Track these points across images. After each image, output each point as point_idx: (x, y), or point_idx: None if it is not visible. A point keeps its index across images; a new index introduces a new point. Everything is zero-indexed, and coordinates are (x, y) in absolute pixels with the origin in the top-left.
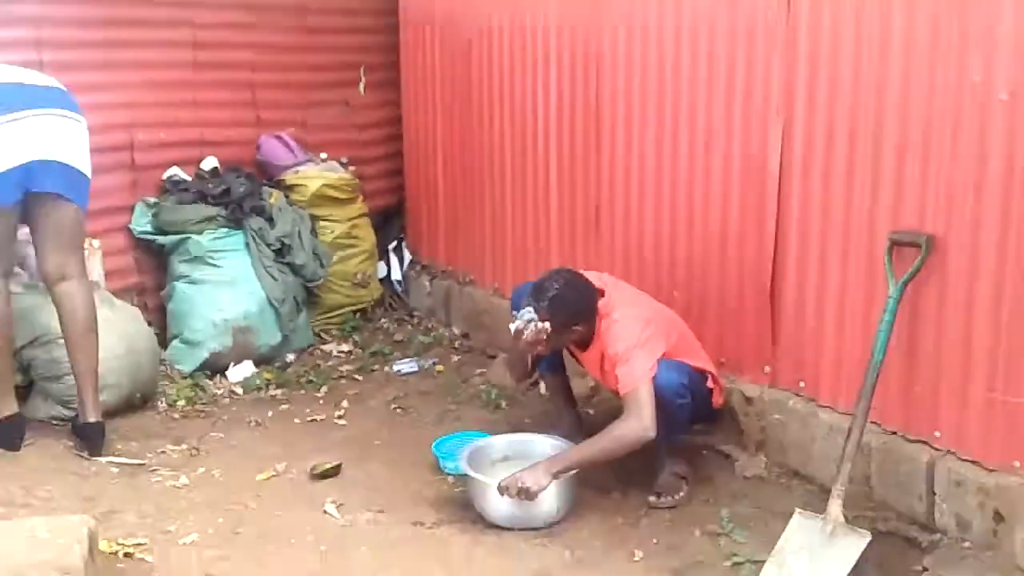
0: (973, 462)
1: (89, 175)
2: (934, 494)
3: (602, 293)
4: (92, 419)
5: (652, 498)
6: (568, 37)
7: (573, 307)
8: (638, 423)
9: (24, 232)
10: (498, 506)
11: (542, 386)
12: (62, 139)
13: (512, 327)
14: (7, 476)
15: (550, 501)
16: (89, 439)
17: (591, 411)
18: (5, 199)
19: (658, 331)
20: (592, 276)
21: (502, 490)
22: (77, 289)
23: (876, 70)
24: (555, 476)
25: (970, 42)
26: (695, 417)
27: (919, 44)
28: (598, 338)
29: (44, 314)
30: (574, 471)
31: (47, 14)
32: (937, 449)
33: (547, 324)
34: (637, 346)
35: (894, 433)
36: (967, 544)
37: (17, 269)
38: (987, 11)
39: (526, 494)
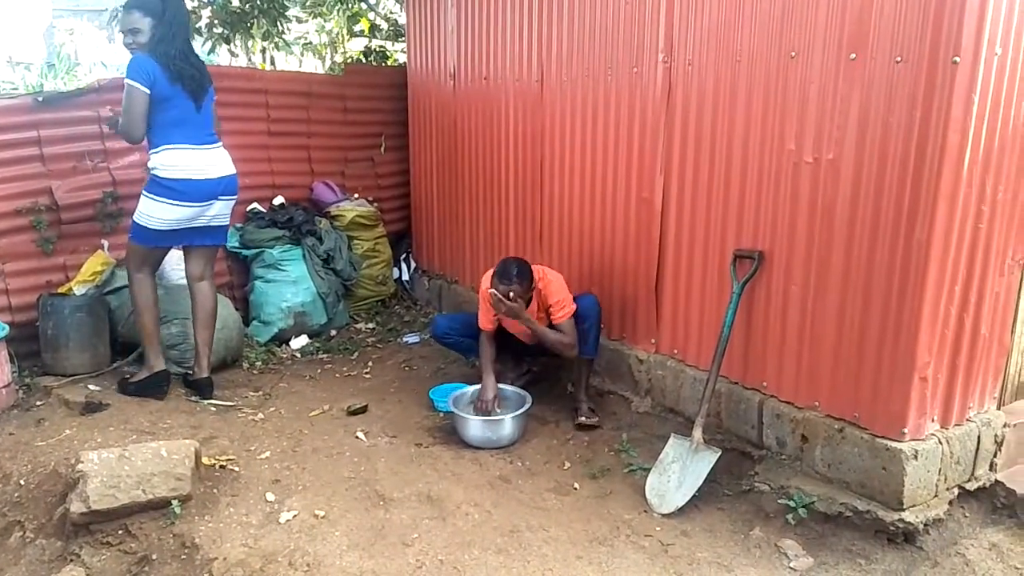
0: (788, 402)
1: (227, 224)
2: (762, 423)
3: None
4: (205, 375)
5: (582, 419)
6: (521, 115)
7: (527, 275)
8: (571, 341)
9: None
10: (474, 433)
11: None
12: (222, 214)
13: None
14: (140, 413)
15: (510, 429)
16: (202, 388)
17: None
18: (169, 243)
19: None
20: None
21: (495, 302)
22: (208, 287)
23: (726, 141)
24: (526, 319)
25: (787, 122)
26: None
27: (754, 123)
28: (535, 296)
29: (166, 302)
30: (531, 328)
31: None
32: (764, 393)
33: (520, 297)
34: (567, 298)
35: (736, 383)
36: (784, 457)
37: None
38: (799, 100)
39: (509, 309)
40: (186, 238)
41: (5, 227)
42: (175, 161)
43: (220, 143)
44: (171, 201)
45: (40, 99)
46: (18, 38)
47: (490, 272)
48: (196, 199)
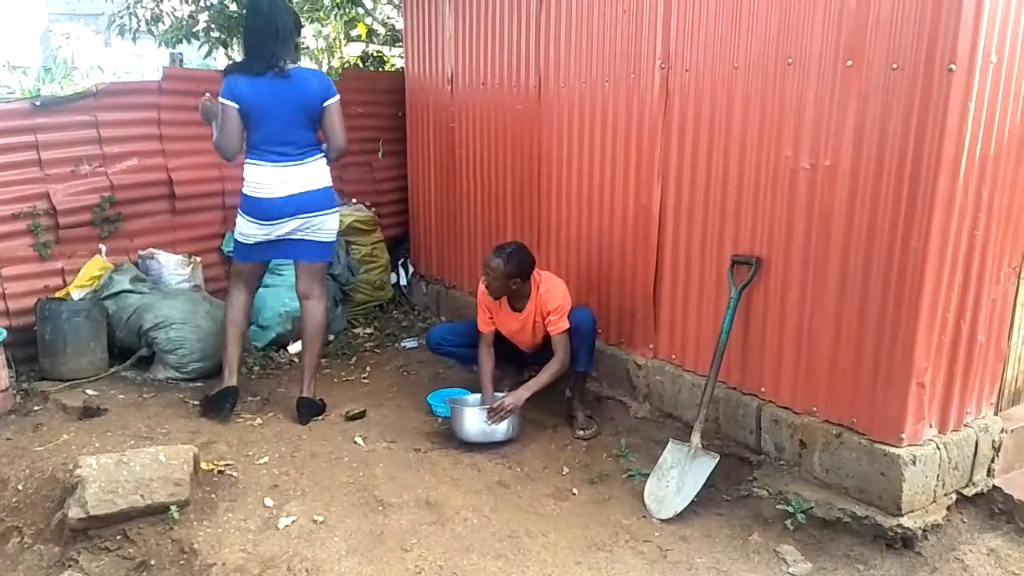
0: (786, 408)
1: (325, 240)
2: (760, 429)
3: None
4: (306, 395)
5: (579, 431)
6: (519, 120)
7: (519, 262)
8: (564, 358)
9: (150, 251)
10: (471, 427)
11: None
12: (310, 228)
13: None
14: (139, 418)
15: (506, 424)
16: (302, 409)
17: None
18: (255, 258)
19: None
20: None
21: (493, 411)
22: (315, 305)
23: (723, 146)
24: (527, 398)
25: (784, 128)
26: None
27: (751, 129)
28: (534, 299)
29: (164, 307)
30: (535, 392)
31: (166, 103)
32: (762, 399)
33: (498, 278)
34: (564, 307)
35: (734, 388)
36: (782, 462)
37: (142, 275)
38: (795, 107)
39: (509, 411)
40: (278, 252)
41: (2, 232)
42: (249, 176)
43: (305, 160)
44: (243, 215)
45: (38, 103)
46: (14, 42)
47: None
48: (260, 216)
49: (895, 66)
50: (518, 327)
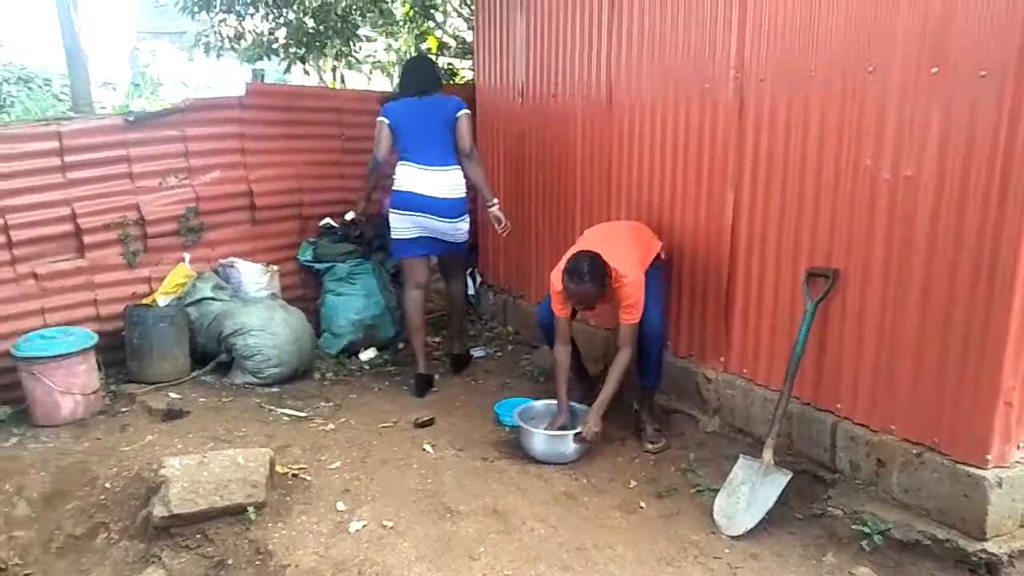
0: (863, 425)
1: (460, 241)
2: (835, 446)
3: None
4: (457, 351)
5: (648, 445)
6: (590, 132)
7: (599, 273)
8: (628, 352)
9: (230, 259)
10: (539, 447)
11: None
12: (450, 231)
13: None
14: (218, 421)
15: (575, 445)
16: (455, 363)
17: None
18: (417, 253)
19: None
20: (590, 238)
21: (580, 439)
22: (455, 286)
23: (799, 156)
24: (604, 415)
25: (864, 137)
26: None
27: (828, 139)
28: (611, 294)
29: (242, 315)
30: (609, 404)
31: (248, 117)
32: (838, 416)
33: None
34: (638, 303)
35: (808, 404)
36: (858, 481)
37: (223, 283)
38: (876, 116)
39: (596, 437)
40: (428, 248)
41: (96, 241)
42: (398, 175)
43: (442, 167)
44: (394, 210)
45: (130, 119)
46: (106, 60)
47: (560, 267)
48: (408, 208)
49: (983, 73)
50: (599, 311)
